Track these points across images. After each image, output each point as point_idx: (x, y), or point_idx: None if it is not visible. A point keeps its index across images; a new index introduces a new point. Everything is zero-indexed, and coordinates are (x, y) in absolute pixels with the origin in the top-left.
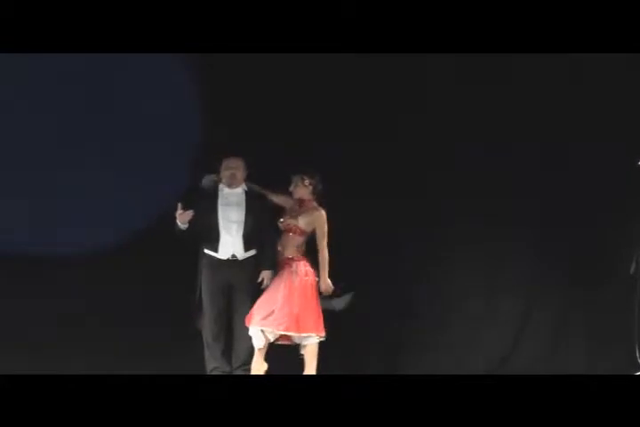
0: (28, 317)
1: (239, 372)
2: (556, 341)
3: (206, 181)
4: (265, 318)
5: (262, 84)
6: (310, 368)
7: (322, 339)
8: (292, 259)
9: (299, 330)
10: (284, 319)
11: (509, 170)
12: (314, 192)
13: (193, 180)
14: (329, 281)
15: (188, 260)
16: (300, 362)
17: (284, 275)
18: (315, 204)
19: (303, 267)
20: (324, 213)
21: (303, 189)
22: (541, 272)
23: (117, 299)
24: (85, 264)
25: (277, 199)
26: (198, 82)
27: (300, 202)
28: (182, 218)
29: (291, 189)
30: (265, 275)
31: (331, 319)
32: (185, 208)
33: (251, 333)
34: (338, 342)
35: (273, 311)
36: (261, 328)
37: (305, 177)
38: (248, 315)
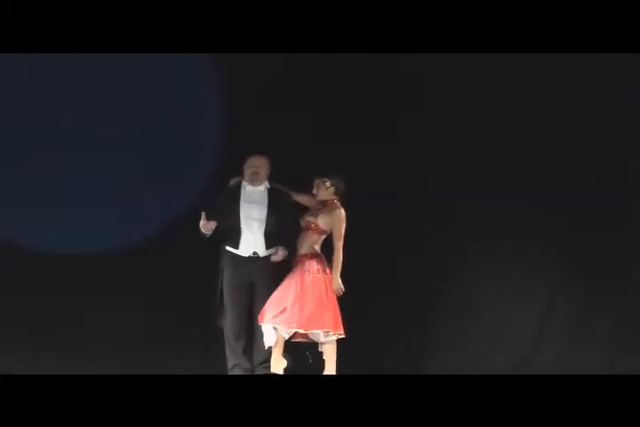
0: (45, 315)
1: (260, 369)
2: (577, 339)
3: (234, 181)
4: (276, 316)
5: (275, 84)
6: (330, 366)
7: (340, 336)
8: (305, 256)
9: (310, 327)
10: (295, 318)
11: (525, 168)
12: (336, 193)
13: (214, 177)
14: (340, 281)
15: (209, 258)
16: (312, 359)
17: (297, 272)
18: (337, 204)
19: (316, 264)
20: (342, 212)
21: (325, 192)
22: (562, 271)
23: (139, 298)
24: (104, 263)
25: (300, 198)
26: (213, 82)
27: (324, 202)
28: (206, 227)
29: (314, 191)
30: (280, 248)
31: (347, 319)
32: (208, 211)
33: (263, 330)
34: (354, 341)
35: (285, 309)
36: (274, 326)
37: (326, 179)
38: (260, 313)
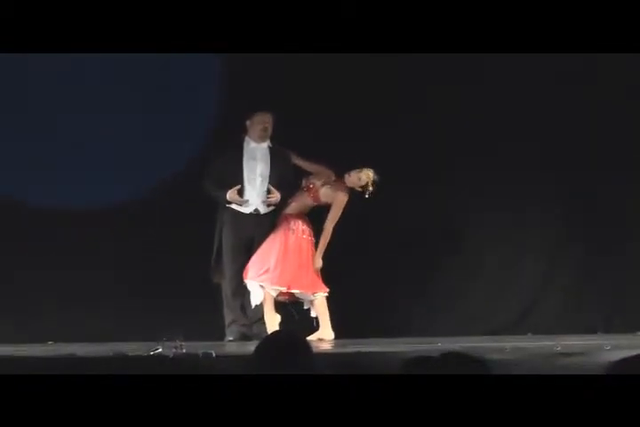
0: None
1: (257, 326)
2: (575, 299)
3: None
4: (260, 275)
5: (275, 85)
6: (324, 322)
7: (325, 294)
8: (291, 215)
9: (293, 287)
10: (276, 279)
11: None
12: (362, 188)
13: (215, 132)
14: (320, 261)
15: (204, 217)
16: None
17: (280, 231)
18: (348, 190)
19: (301, 225)
20: (347, 197)
21: (357, 181)
22: (563, 231)
23: (139, 254)
24: (105, 219)
25: (299, 162)
26: (212, 82)
27: (339, 180)
28: (234, 199)
29: (350, 173)
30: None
31: (340, 278)
32: (210, 169)
33: (249, 288)
34: (352, 302)
35: (268, 270)
36: (260, 284)
37: (370, 176)
38: (245, 269)
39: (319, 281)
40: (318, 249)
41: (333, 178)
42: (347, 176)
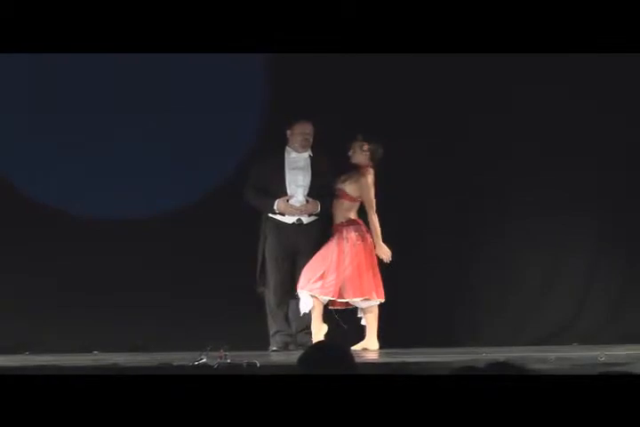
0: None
1: (302, 336)
2: (616, 311)
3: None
4: (313, 283)
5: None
6: (371, 333)
7: (380, 301)
8: (342, 224)
9: (346, 296)
10: (330, 287)
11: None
12: (371, 158)
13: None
14: (384, 247)
15: (250, 225)
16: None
17: (334, 241)
18: (366, 170)
19: (354, 232)
20: (369, 179)
21: (360, 155)
22: (605, 240)
23: (183, 264)
24: (146, 229)
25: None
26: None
27: (358, 168)
28: (284, 209)
29: (349, 154)
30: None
31: (385, 289)
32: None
33: (300, 297)
34: (398, 312)
35: (321, 277)
36: (311, 293)
37: (365, 143)
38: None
39: (378, 288)
40: (375, 238)
41: (352, 173)
42: (352, 156)
